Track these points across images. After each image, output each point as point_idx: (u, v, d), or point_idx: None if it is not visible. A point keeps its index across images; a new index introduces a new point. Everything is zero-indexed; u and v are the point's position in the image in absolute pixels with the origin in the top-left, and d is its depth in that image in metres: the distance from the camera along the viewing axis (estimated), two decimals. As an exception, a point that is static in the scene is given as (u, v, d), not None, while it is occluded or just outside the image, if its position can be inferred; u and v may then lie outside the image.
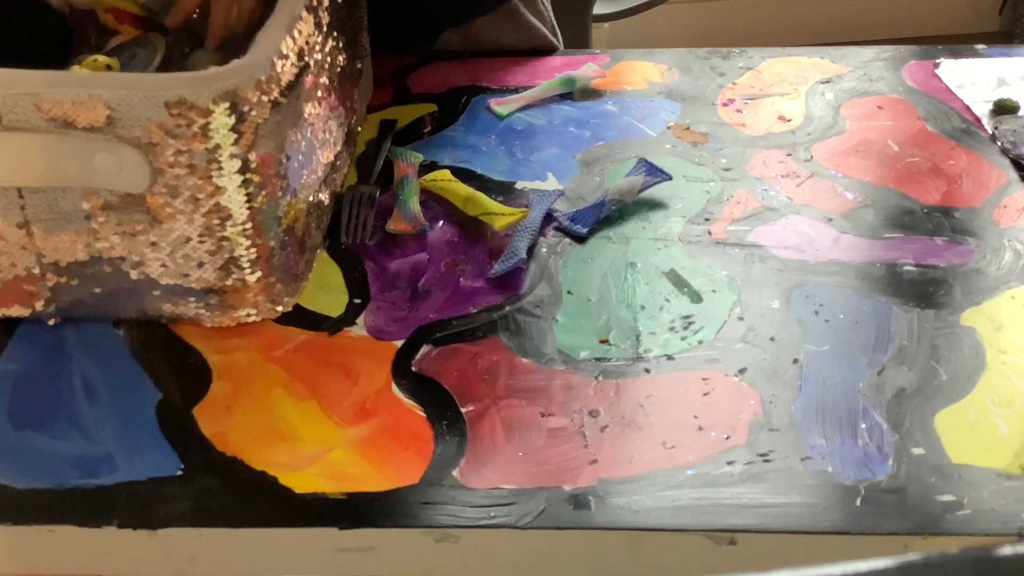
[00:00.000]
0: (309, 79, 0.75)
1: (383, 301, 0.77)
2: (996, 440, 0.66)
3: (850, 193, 0.87)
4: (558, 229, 0.84)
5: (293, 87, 0.71)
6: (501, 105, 0.98)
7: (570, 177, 0.90)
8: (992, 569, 0.34)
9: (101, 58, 0.76)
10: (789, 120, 0.96)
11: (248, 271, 0.72)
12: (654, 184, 0.87)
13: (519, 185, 0.89)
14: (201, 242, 0.70)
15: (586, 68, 1.02)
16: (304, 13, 0.74)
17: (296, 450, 0.66)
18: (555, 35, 1.11)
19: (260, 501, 0.63)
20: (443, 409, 0.69)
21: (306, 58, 0.74)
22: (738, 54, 1.06)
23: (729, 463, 0.65)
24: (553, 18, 1.13)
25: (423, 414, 0.68)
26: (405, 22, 1.07)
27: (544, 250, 0.82)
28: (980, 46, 1.07)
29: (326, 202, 0.84)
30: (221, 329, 0.75)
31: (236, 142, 0.66)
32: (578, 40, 1.43)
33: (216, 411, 0.69)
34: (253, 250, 0.71)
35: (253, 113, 0.66)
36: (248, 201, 0.69)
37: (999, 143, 0.92)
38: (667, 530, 0.62)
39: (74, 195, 0.69)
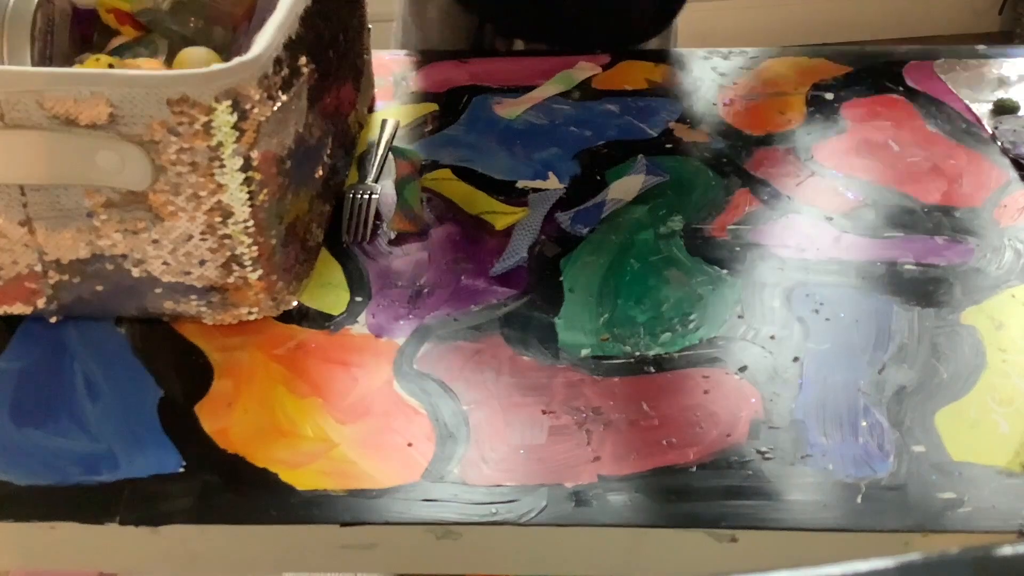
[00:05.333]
0: (311, 77, 0.75)
1: (384, 299, 0.78)
2: (996, 438, 0.66)
3: (850, 192, 0.87)
4: (559, 228, 0.84)
5: (295, 85, 0.72)
6: (506, 108, 0.98)
7: (570, 176, 0.90)
8: (993, 569, 0.34)
9: (103, 57, 0.77)
10: (789, 120, 0.96)
11: (249, 269, 0.72)
12: (654, 183, 0.87)
13: (520, 184, 0.89)
14: (203, 240, 0.70)
15: (580, 66, 1.03)
16: (306, 11, 0.74)
17: (297, 447, 0.67)
18: None
19: (261, 498, 0.64)
20: (444, 407, 0.69)
21: (308, 56, 0.74)
22: (738, 54, 1.06)
23: (730, 461, 0.65)
24: None
25: (424, 412, 0.69)
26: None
27: (545, 249, 0.82)
28: (980, 46, 1.07)
29: (327, 201, 0.84)
30: (222, 327, 0.75)
31: (238, 140, 0.66)
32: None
33: (217, 408, 0.69)
34: (255, 248, 0.71)
35: (255, 111, 0.66)
36: (250, 199, 0.69)
37: (999, 143, 0.92)
38: (668, 527, 0.62)
39: (76, 193, 0.69)
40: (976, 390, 0.69)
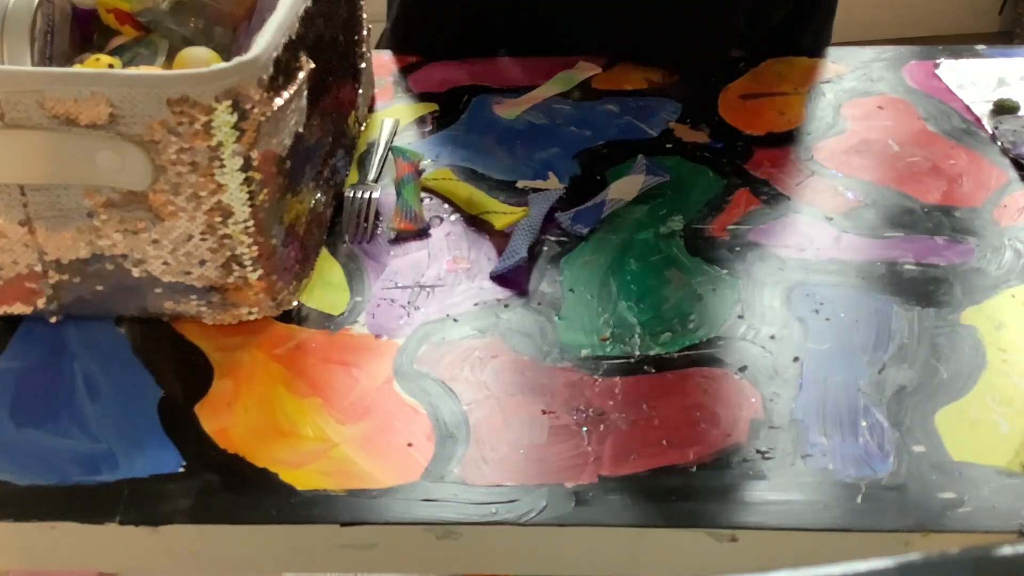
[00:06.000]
0: (311, 77, 0.75)
1: (384, 299, 0.78)
2: (996, 438, 0.66)
3: (851, 192, 0.87)
4: (559, 228, 0.84)
5: (295, 85, 0.71)
6: (506, 108, 0.98)
7: (571, 176, 0.90)
8: (993, 569, 0.34)
9: (104, 57, 0.77)
10: (789, 120, 0.96)
11: (250, 269, 0.72)
12: (654, 183, 0.87)
13: (520, 184, 0.89)
14: (203, 240, 0.70)
15: (580, 66, 1.03)
16: (306, 11, 0.74)
17: (297, 447, 0.67)
18: None
19: (261, 498, 0.64)
20: (444, 407, 0.69)
21: (308, 56, 0.74)
22: (738, 54, 1.06)
23: (730, 461, 0.65)
24: None
25: (424, 411, 0.69)
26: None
27: (545, 249, 0.82)
28: (980, 46, 1.08)
29: (328, 201, 0.84)
30: (223, 327, 0.75)
31: (238, 140, 0.66)
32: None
33: (218, 408, 0.69)
34: (255, 248, 0.71)
35: (255, 111, 0.66)
36: (250, 199, 0.69)
37: (999, 143, 0.92)
38: (668, 527, 0.62)
39: (76, 193, 0.69)
40: (976, 390, 0.69)
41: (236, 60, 0.65)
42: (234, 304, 0.74)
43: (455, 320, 0.76)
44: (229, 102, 0.65)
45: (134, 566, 0.65)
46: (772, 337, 0.73)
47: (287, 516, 0.63)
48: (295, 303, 0.77)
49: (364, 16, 0.95)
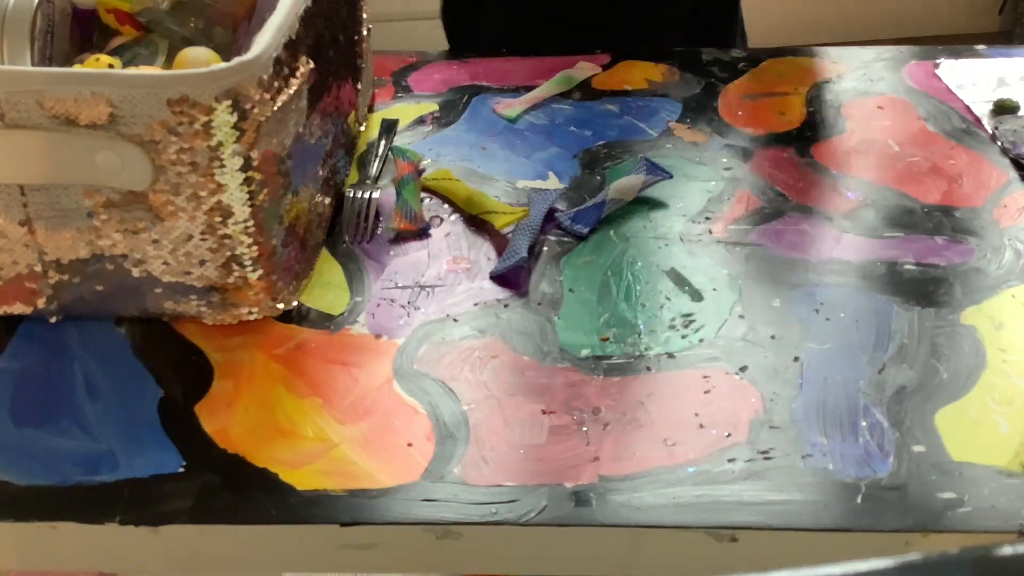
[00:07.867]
0: (311, 77, 0.75)
1: (384, 299, 0.78)
2: (996, 438, 0.66)
3: (851, 192, 0.87)
4: (559, 228, 0.84)
5: (295, 85, 0.71)
6: (506, 108, 0.98)
7: (571, 176, 0.90)
8: (993, 569, 0.34)
9: (103, 58, 0.77)
10: (790, 120, 0.96)
11: (250, 269, 0.72)
12: (655, 183, 0.87)
13: (520, 184, 0.89)
14: (203, 240, 0.70)
15: (580, 66, 1.03)
16: (306, 11, 0.74)
17: (297, 447, 0.67)
18: None
19: (261, 498, 0.64)
20: (444, 407, 0.69)
21: (308, 56, 0.74)
22: (738, 54, 1.06)
23: (730, 460, 0.65)
24: None
25: (424, 411, 0.69)
26: None
27: (545, 249, 0.82)
28: (980, 46, 1.08)
29: (327, 201, 0.84)
30: (223, 327, 0.75)
31: (238, 140, 0.66)
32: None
33: (218, 408, 0.69)
34: (255, 248, 0.71)
35: (255, 111, 0.66)
36: (250, 199, 0.69)
37: (999, 143, 0.92)
38: (668, 527, 0.62)
39: (76, 193, 0.69)
40: (976, 390, 0.69)
41: (236, 60, 0.65)
42: (234, 304, 0.74)
43: (455, 320, 0.76)
44: (229, 102, 0.65)
45: (134, 566, 0.65)
46: (772, 337, 0.73)
47: (287, 516, 0.63)
48: (295, 303, 0.77)
49: (364, 16, 0.95)
